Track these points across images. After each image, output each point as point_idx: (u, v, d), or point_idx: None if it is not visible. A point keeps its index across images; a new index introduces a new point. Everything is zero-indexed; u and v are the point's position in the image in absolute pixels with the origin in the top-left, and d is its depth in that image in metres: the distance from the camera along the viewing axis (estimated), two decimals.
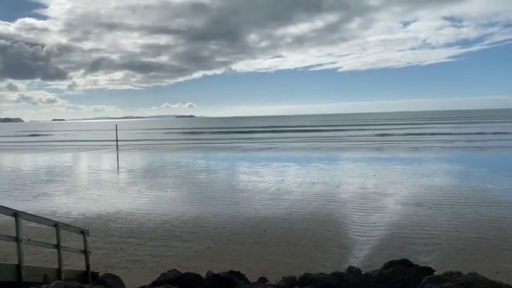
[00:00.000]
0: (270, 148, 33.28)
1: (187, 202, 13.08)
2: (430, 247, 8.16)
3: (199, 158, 26.73)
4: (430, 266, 6.41)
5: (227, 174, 18.95)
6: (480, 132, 45.30)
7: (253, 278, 6.03)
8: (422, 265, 5.87)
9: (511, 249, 7.94)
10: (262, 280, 5.08)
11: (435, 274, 4.00)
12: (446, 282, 3.20)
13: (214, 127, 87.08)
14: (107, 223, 10.57)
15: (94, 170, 22.07)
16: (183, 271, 5.64)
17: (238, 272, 5.19)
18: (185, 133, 68.12)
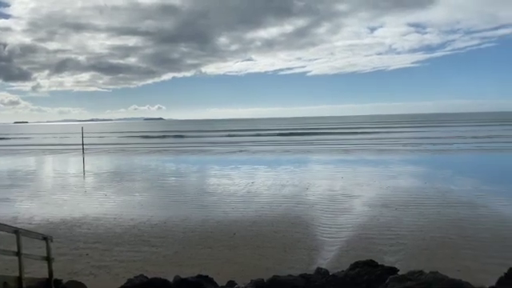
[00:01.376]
0: (240, 151, 33.28)
1: (155, 206, 12.89)
2: (396, 247, 8.37)
3: (168, 161, 26.42)
4: (396, 265, 6.60)
5: (197, 178, 18.82)
6: (442, 136, 46.84)
7: (222, 281, 6.01)
8: (388, 265, 6.03)
9: (472, 247, 8.24)
10: (231, 283, 5.08)
11: (399, 273, 4.12)
12: (408, 281, 3.29)
13: (183, 130, 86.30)
14: (72, 229, 10.27)
15: (58, 174, 21.39)
16: (151, 276, 5.56)
17: (207, 276, 5.17)
18: (154, 136, 67.10)
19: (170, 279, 5.21)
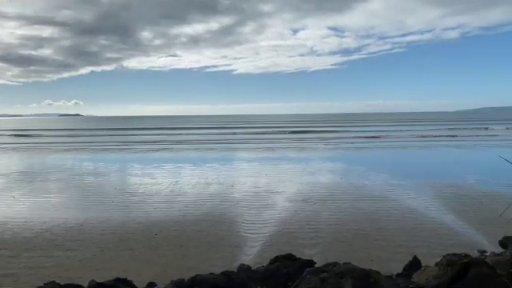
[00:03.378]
0: (164, 149, 32.50)
1: (71, 207, 12.12)
2: (315, 240, 8.74)
3: (86, 160, 24.96)
4: (314, 257, 6.88)
5: (117, 177, 18.01)
6: (358, 136, 49.83)
7: (142, 283, 5.84)
8: (308, 257, 6.27)
9: (383, 238, 8.88)
10: (151, 284, 4.94)
11: (316, 265, 4.31)
12: (323, 273, 3.45)
13: (103, 127, 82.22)
14: None
15: None
16: (64, 282, 5.22)
17: (125, 279, 4.97)
18: (70, 134, 63.15)
19: (85, 284, 4.93)
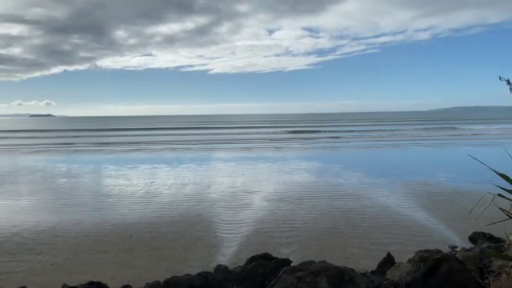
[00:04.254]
0: (139, 149, 32.05)
1: (43, 210, 11.80)
2: (291, 239, 8.79)
3: (58, 162, 24.36)
4: (291, 256, 6.92)
5: (91, 178, 17.65)
6: (336, 136, 50.46)
7: (116, 286, 5.75)
8: (284, 256, 6.30)
9: (358, 236, 9.02)
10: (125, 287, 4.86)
11: (293, 264, 4.33)
12: (299, 272, 3.48)
13: (76, 128, 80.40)
14: None
15: None
16: (35, 287, 5.07)
17: (99, 282, 4.88)
18: (41, 136, 61.52)
19: None
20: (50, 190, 15.06)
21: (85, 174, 18.89)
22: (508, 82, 3.49)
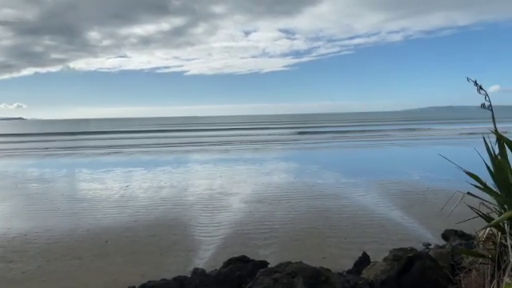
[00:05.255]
0: (114, 152, 31.51)
1: (14, 217, 11.45)
2: (269, 241, 8.80)
3: (30, 166, 23.69)
4: (269, 258, 6.93)
5: (64, 183, 17.24)
6: (314, 139, 50.92)
7: None
8: (262, 258, 6.30)
9: (335, 235, 9.10)
10: None
11: (270, 265, 4.34)
12: (276, 273, 3.48)
13: (48, 131, 78.45)
14: None
15: None
16: None
17: None
18: (11, 140, 59.81)
19: None
20: (21, 195, 14.63)
21: (58, 179, 18.43)
22: (475, 83, 3.59)
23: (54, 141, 50.84)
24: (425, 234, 8.94)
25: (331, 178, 16.53)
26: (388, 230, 9.32)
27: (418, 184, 14.83)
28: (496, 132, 3.56)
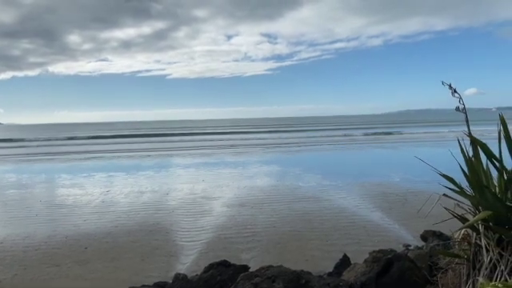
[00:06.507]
0: (94, 157, 31.03)
1: None
2: (252, 244, 8.80)
3: (7, 172, 23.12)
4: (251, 261, 6.93)
5: (42, 189, 16.89)
6: (297, 142, 51.18)
7: None
8: (244, 262, 6.29)
9: (317, 238, 9.16)
10: None
11: (251, 270, 4.33)
12: (256, 278, 3.48)
13: (26, 137, 76.74)
14: None
15: None
16: None
17: None
18: None
19: None
20: None
21: (36, 185, 18.04)
22: (450, 87, 3.68)
23: (32, 146, 49.75)
24: (405, 235, 9.08)
25: (313, 181, 16.63)
26: (369, 232, 9.43)
27: (398, 185, 15.05)
28: (470, 135, 3.65)
